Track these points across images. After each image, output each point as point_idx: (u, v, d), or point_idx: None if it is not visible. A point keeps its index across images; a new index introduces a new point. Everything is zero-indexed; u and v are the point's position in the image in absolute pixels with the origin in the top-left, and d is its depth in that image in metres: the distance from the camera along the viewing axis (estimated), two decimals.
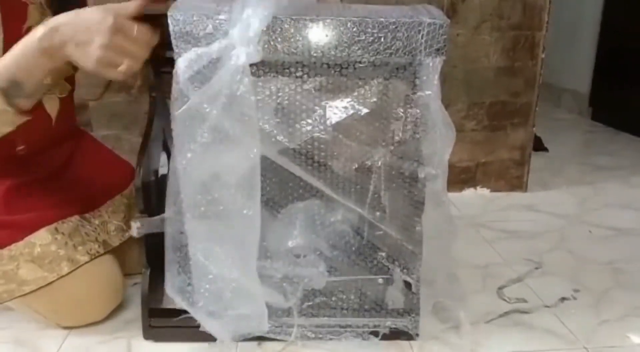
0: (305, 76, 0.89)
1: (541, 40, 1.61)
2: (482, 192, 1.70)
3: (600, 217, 1.52)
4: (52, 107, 1.02)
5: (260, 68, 0.87)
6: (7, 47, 0.82)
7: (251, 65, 0.80)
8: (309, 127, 0.97)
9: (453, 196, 1.66)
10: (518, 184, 1.71)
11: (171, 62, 0.98)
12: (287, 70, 0.88)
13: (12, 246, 0.95)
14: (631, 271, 1.23)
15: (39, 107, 0.92)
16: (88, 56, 0.77)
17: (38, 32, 0.78)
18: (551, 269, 1.23)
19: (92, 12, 0.77)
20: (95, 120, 1.64)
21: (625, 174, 1.89)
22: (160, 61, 0.98)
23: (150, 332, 0.95)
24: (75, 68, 0.94)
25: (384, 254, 1.01)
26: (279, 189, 1.17)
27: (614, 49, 2.51)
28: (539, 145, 2.11)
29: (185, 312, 1.00)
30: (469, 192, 1.70)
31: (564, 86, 2.84)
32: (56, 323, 1.00)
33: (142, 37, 0.79)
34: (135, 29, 0.78)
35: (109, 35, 0.76)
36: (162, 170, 1.05)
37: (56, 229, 0.98)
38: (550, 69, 1.67)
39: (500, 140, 1.69)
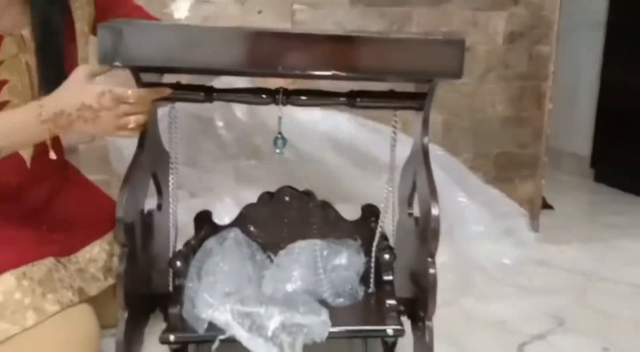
0: None
1: (547, 91, 1.58)
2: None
3: (619, 274, 1.42)
4: (26, 151, 0.95)
5: None
6: None
7: None
8: None
9: None
10: None
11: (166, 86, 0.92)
12: None
13: None
14: None
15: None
16: (98, 129, 0.81)
17: (34, 111, 0.80)
18: (575, 326, 1.12)
19: (87, 86, 0.80)
20: (85, 164, 1.56)
21: (639, 232, 1.80)
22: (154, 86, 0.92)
23: None
24: None
25: (393, 301, 0.90)
26: (276, 233, 1.08)
27: (613, 109, 2.50)
28: (543, 204, 2.04)
29: None
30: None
31: (564, 149, 2.81)
32: None
33: (138, 96, 0.81)
34: (130, 92, 0.80)
35: (114, 106, 0.79)
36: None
37: (24, 273, 0.86)
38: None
39: (508, 193, 1.61)
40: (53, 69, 0.91)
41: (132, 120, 0.81)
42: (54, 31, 0.92)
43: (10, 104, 0.90)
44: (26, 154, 0.95)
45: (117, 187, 1.63)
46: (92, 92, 0.79)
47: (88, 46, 1.01)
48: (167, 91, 0.84)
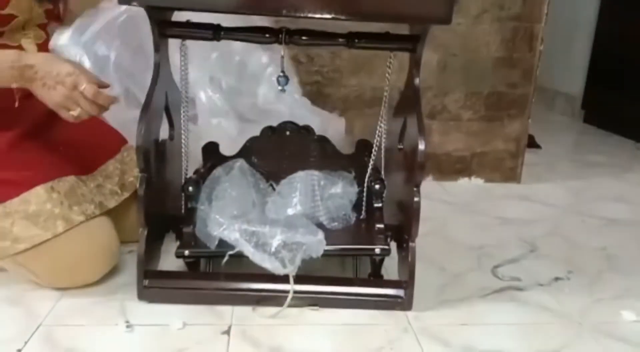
0: None
1: (540, 33, 1.63)
2: (477, 181, 1.71)
3: (593, 208, 1.53)
4: (31, 51, 1.01)
5: None
6: None
7: None
8: None
9: (447, 184, 1.67)
10: (512, 175, 1.72)
11: (177, 25, 0.99)
12: None
13: (7, 202, 0.94)
14: (623, 256, 1.24)
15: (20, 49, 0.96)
16: (49, 97, 0.91)
17: (12, 57, 0.90)
18: (545, 252, 1.24)
19: (65, 62, 0.92)
20: None
21: (618, 171, 1.91)
22: (166, 24, 0.98)
23: (145, 293, 0.94)
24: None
25: (382, 225, 1.01)
26: (277, 164, 1.18)
27: (607, 53, 2.54)
28: (532, 143, 2.12)
29: (182, 274, 1.00)
30: (463, 182, 1.71)
31: (558, 89, 2.87)
32: (49, 284, 0.99)
33: (96, 98, 0.91)
34: (92, 91, 0.91)
35: (71, 88, 0.90)
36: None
37: (52, 187, 0.97)
38: (544, 71, 1.69)
39: (496, 131, 1.70)
40: None
41: (77, 110, 0.91)
42: None
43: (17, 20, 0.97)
44: None
45: None
46: (65, 68, 0.90)
47: None
48: (115, 101, 0.96)
